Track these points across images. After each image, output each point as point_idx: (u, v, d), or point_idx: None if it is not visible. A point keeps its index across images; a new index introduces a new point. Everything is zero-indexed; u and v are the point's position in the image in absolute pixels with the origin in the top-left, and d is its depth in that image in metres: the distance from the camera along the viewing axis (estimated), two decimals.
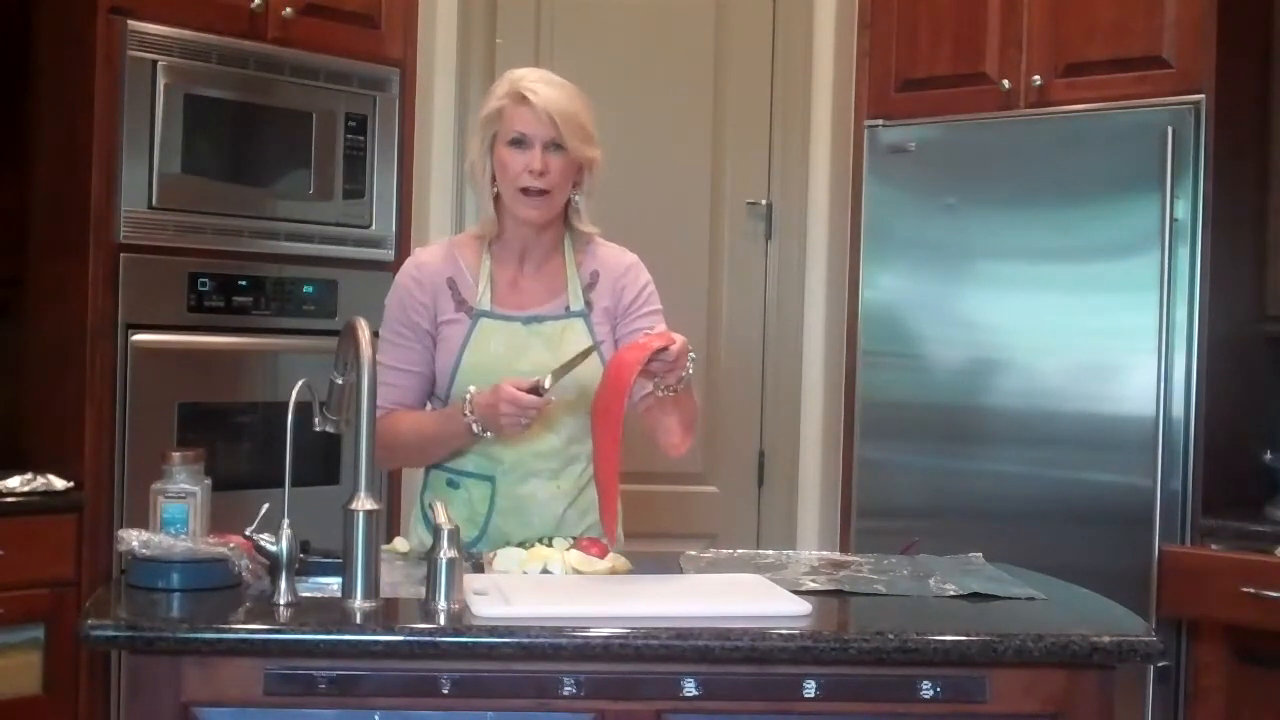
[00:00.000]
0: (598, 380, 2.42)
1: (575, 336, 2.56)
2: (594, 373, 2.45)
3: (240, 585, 2.08)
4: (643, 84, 4.28)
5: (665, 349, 2.29)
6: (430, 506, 2.13)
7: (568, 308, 2.58)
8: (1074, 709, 1.98)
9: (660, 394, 2.38)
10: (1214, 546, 3.37)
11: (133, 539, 2.08)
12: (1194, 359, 3.48)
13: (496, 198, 2.56)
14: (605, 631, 1.92)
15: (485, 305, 2.56)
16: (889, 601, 2.18)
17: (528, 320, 2.55)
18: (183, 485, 2.17)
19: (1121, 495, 3.54)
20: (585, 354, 2.43)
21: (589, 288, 2.60)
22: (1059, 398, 3.67)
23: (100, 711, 3.47)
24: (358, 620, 1.94)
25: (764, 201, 4.38)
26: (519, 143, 2.49)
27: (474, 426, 2.41)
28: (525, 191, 2.49)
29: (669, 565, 2.40)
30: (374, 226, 3.94)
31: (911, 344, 3.91)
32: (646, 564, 2.36)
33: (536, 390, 2.35)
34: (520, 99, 2.48)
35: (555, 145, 2.48)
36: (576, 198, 2.59)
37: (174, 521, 2.15)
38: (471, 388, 2.45)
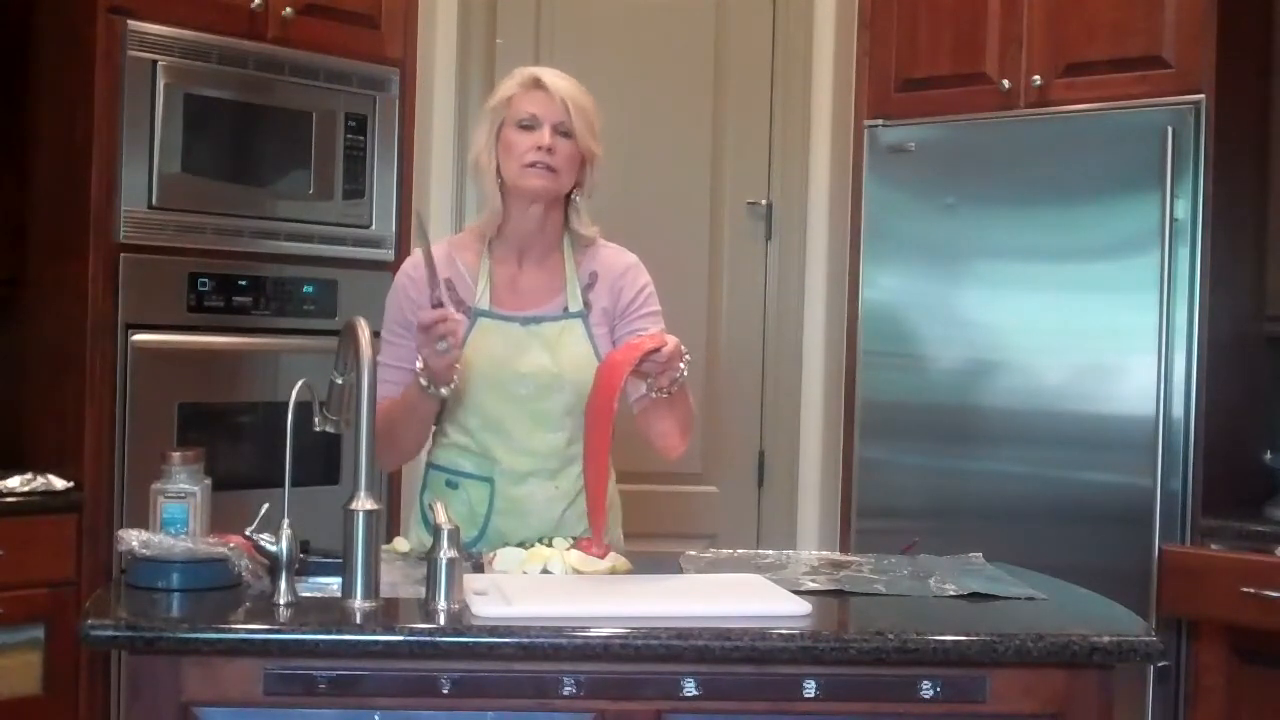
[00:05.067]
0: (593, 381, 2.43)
1: (573, 337, 2.56)
2: (590, 373, 2.45)
3: (240, 585, 2.08)
4: (643, 84, 4.28)
5: (657, 350, 2.29)
6: (430, 507, 2.13)
7: (566, 308, 2.58)
8: (1074, 709, 1.98)
9: (654, 396, 2.38)
10: (1214, 546, 3.36)
11: (133, 539, 2.08)
12: (1194, 359, 3.48)
13: (500, 188, 2.55)
14: (605, 631, 1.92)
15: (484, 305, 2.56)
16: (889, 601, 2.18)
17: (526, 321, 2.55)
18: (183, 485, 2.18)
19: (1121, 495, 3.54)
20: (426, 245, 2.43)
21: (588, 288, 2.60)
22: (1059, 398, 3.67)
23: (100, 711, 3.47)
24: (358, 620, 1.95)
25: (764, 201, 4.38)
26: (528, 125, 2.51)
27: (422, 380, 2.40)
28: (531, 166, 2.50)
29: (669, 565, 2.40)
30: (374, 226, 3.94)
31: (911, 344, 3.91)
32: (646, 564, 2.36)
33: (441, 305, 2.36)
34: (533, 84, 2.52)
35: (564, 131, 2.50)
36: (576, 198, 2.59)
37: (174, 521, 2.15)
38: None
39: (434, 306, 2.35)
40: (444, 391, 2.42)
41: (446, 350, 2.35)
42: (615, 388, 2.27)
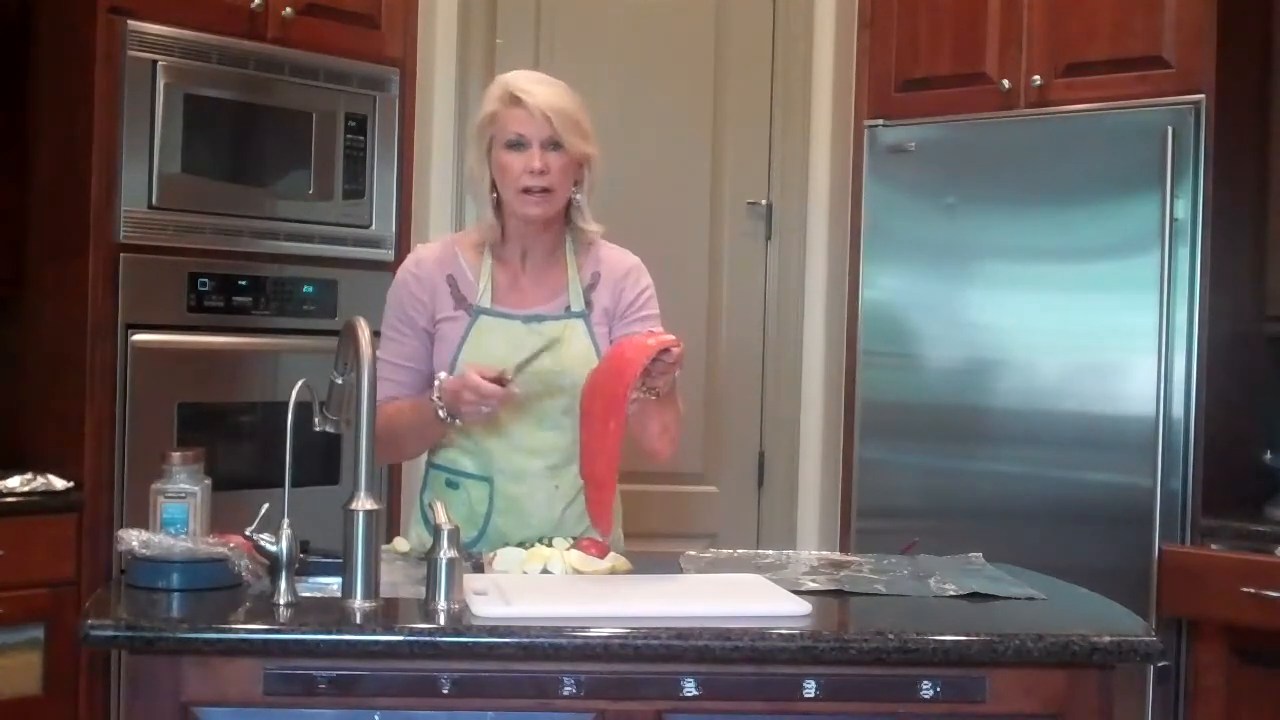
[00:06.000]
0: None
1: (575, 336, 2.56)
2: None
3: (240, 585, 2.08)
4: (643, 84, 4.28)
5: (668, 350, 2.29)
6: (430, 506, 2.13)
7: (568, 307, 2.58)
8: (1074, 709, 1.98)
9: (643, 395, 2.36)
10: (1214, 546, 3.36)
11: (133, 539, 2.08)
12: (1194, 359, 3.48)
13: (497, 202, 2.55)
14: (605, 631, 1.92)
15: (485, 303, 2.55)
16: (889, 601, 2.18)
17: (527, 319, 2.55)
18: (183, 485, 2.17)
19: (1121, 495, 3.54)
20: (546, 348, 2.43)
21: (590, 288, 2.60)
22: (1059, 398, 3.67)
23: (100, 711, 3.47)
24: (358, 620, 1.95)
25: (764, 201, 4.38)
26: (516, 145, 2.48)
27: (440, 412, 2.40)
28: (527, 191, 2.49)
29: (669, 565, 2.40)
30: (374, 226, 3.94)
31: (911, 344, 3.91)
32: (646, 564, 2.36)
33: (501, 380, 2.34)
34: (513, 100, 2.49)
35: (553, 144, 2.48)
36: (578, 196, 2.58)
37: (174, 521, 2.15)
38: (442, 374, 2.44)
39: (496, 381, 2.34)
40: (459, 422, 2.43)
41: (487, 413, 2.37)
42: (628, 382, 2.25)
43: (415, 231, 4.05)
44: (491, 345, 2.52)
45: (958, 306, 3.84)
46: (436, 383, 2.42)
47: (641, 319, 2.60)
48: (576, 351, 2.54)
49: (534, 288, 2.59)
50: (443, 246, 2.63)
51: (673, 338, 2.31)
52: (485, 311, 2.55)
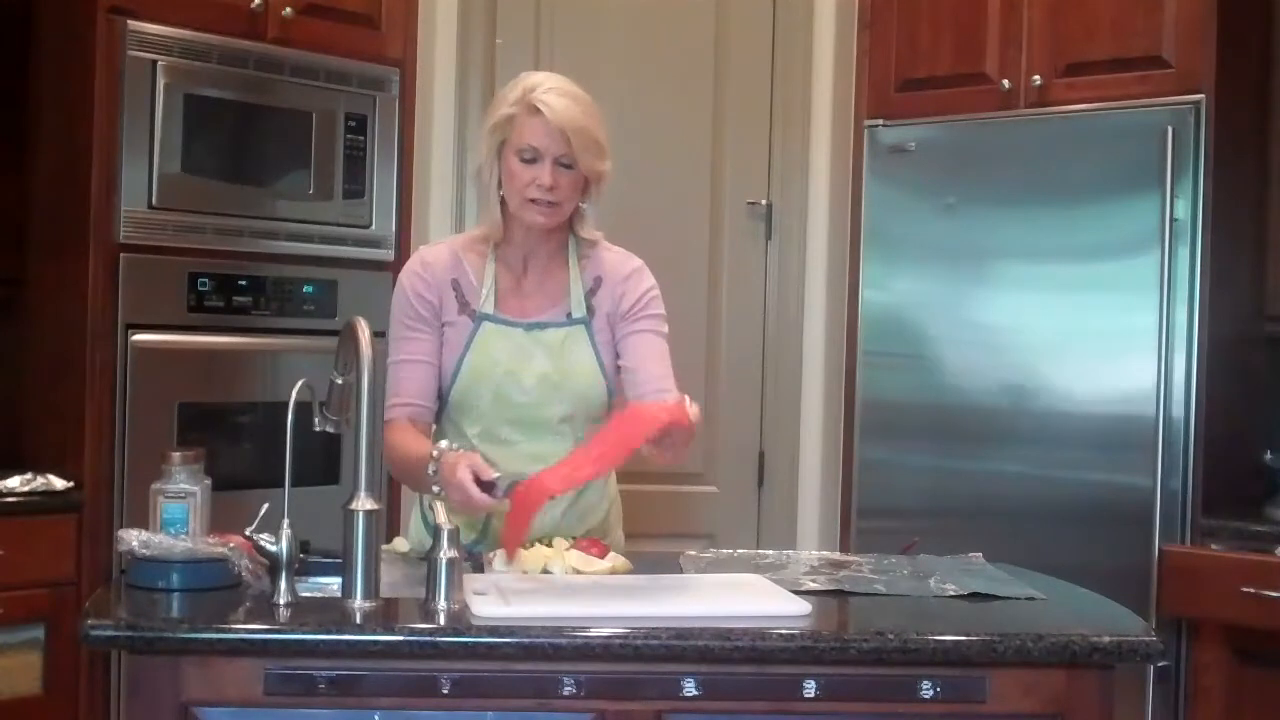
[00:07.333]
0: (596, 388, 2.49)
1: (577, 344, 2.54)
2: (593, 381, 2.47)
3: (240, 585, 2.08)
4: (643, 84, 4.28)
5: (678, 425, 2.14)
6: (430, 507, 2.13)
7: (569, 314, 2.57)
8: (1074, 709, 1.98)
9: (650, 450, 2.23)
10: (1214, 546, 3.37)
11: (133, 539, 2.08)
12: (1194, 359, 3.48)
13: (502, 201, 2.53)
14: (605, 631, 1.92)
15: (488, 308, 2.54)
16: (889, 601, 2.18)
17: (529, 327, 2.54)
18: (183, 485, 2.17)
19: (1121, 495, 3.54)
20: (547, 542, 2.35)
21: (591, 293, 2.58)
22: (1059, 398, 3.67)
23: (100, 711, 3.47)
24: (358, 620, 1.95)
25: (764, 201, 4.38)
26: (529, 156, 2.46)
27: (434, 488, 2.33)
28: (533, 201, 2.48)
29: (669, 565, 2.41)
30: (374, 226, 3.93)
31: (911, 344, 3.91)
32: (646, 564, 2.36)
33: (493, 486, 2.22)
34: (533, 110, 2.44)
35: (566, 164, 2.45)
36: (583, 205, 2.57)
37: (174, 521, 2.15)
38: (442, 443, 2.36)
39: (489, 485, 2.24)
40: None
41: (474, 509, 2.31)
42: (624, 454, 2.16)
43: (415, 231, 4.05)
44: (495, 352, 2.51)
45: (958, 306, 3.84)
46: (434, 453, 2.31)
47: (643, 318, 2.58)
48: (578, 360, 2.53)
49: (536, 293, 2.57)
50: (447, 249, 2.61)
51: (690, 412, 2.15)
52: (488, 318, 2.54)
